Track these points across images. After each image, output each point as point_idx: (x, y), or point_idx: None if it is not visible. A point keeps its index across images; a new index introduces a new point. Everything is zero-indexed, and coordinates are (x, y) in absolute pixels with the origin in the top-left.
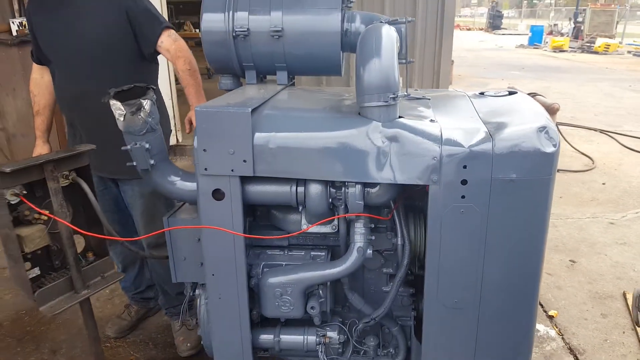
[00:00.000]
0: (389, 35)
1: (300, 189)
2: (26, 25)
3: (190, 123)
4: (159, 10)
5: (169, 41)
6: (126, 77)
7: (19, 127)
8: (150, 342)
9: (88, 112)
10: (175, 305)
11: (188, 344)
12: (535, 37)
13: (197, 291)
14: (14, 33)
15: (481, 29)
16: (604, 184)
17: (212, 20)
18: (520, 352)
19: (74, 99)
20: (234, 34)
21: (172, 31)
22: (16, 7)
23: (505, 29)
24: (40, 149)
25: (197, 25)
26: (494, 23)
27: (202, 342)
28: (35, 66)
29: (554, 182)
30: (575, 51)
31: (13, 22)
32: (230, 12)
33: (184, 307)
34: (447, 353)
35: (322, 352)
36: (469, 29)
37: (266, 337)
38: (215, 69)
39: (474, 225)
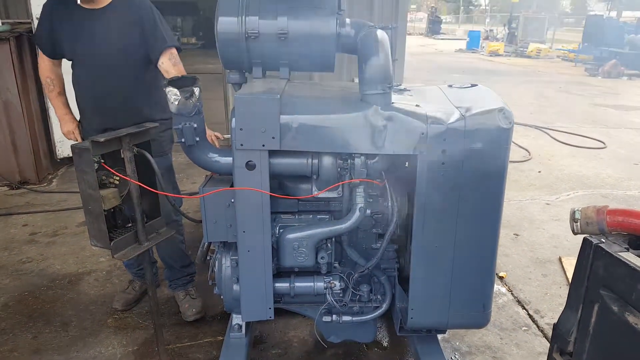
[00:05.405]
0: (384, 38)
1: (315, 161)
2: None
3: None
4: None
5: (168, 64)
6: (141, 78)
7: None
8: None
9: (109, 106)
10: (179, 278)
11: (193, 310)
12: (473, 42)
13: (217, 255)
14: None
15: (421, 34)
16: (539, 172)
17: (227, 23)
18: (485, 286)
19: (95, 98)
20: (246, 35)
21: (174, 52)
22: None
23: (444, 34)
24: (71, 124)
25: None
26: (434, 28)
27: (222, 297)
28: (45, 56)
29: (510, 151)
30: (510, 55)
31: None
32: (243, 16)
33: (211, 266)
34: (430, 288)
35: (329, 294)
36: (409, 34)
37: (283, 285)
38: (226, 65)
39: (451, 185)
